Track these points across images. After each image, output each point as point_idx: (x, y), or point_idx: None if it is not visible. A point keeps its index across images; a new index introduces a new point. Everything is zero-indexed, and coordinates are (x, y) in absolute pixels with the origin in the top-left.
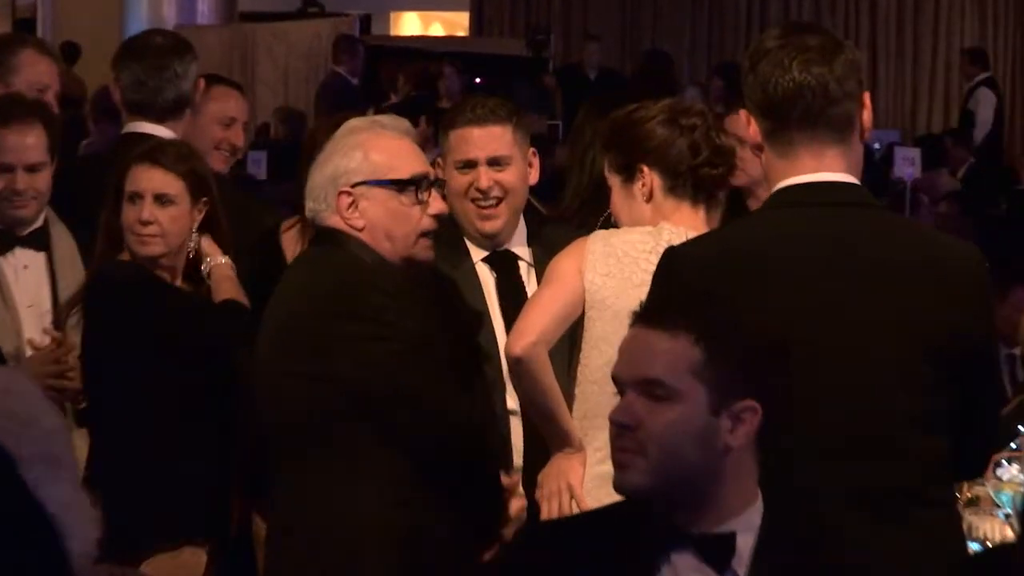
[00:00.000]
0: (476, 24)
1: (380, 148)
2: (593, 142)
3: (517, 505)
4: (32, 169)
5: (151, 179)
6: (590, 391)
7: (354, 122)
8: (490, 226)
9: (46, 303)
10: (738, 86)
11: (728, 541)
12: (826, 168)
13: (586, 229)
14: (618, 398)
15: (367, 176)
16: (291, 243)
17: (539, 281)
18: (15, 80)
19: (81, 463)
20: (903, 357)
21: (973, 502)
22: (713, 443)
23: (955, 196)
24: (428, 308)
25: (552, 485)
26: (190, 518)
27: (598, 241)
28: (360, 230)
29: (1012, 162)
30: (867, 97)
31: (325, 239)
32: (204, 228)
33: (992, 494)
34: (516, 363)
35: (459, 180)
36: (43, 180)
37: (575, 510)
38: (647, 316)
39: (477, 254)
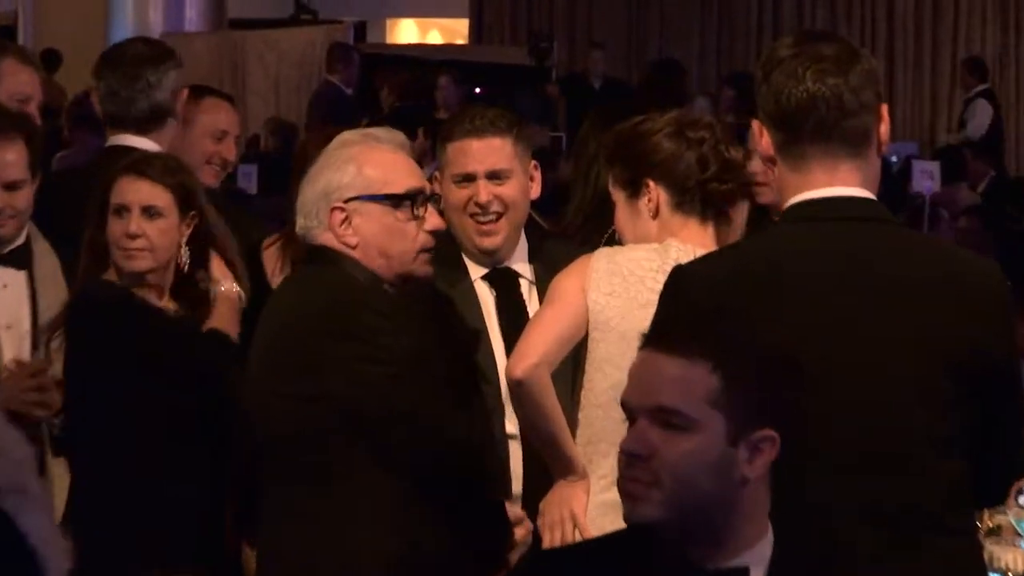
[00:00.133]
0: (476, 31)
1: (374, 162)
2: (598, 155)
3: (523, 531)
4: (11, 187)
5: (138, 191)
6: (594, 415)
7: (347, 135)
8: (489, 242)
9: (25, 323)
10: (750, 96)
11: None
12: (840, 183)
13: (590, 246)
14: (625, 424)
15: (361, 191)
16: (271, 260)
17: (541, 300)
18: None
19: (61, 494)
20: (921, 376)
21: (994, 531)
22: (730, 474)
23: (975, 211)
24: (424, 327)
25: (554, 514)
26: (180, 544)
27: (602, 259)
28: (353, 247)
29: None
30: (884, 109)
31: (317, 257)
32: (194, 243)
33: (1014, 523)
34: (517, 386)
35: (457, 194)
36: (23, 198)
37: (578, 540)
38: (661, 339)
39: (476, 271)
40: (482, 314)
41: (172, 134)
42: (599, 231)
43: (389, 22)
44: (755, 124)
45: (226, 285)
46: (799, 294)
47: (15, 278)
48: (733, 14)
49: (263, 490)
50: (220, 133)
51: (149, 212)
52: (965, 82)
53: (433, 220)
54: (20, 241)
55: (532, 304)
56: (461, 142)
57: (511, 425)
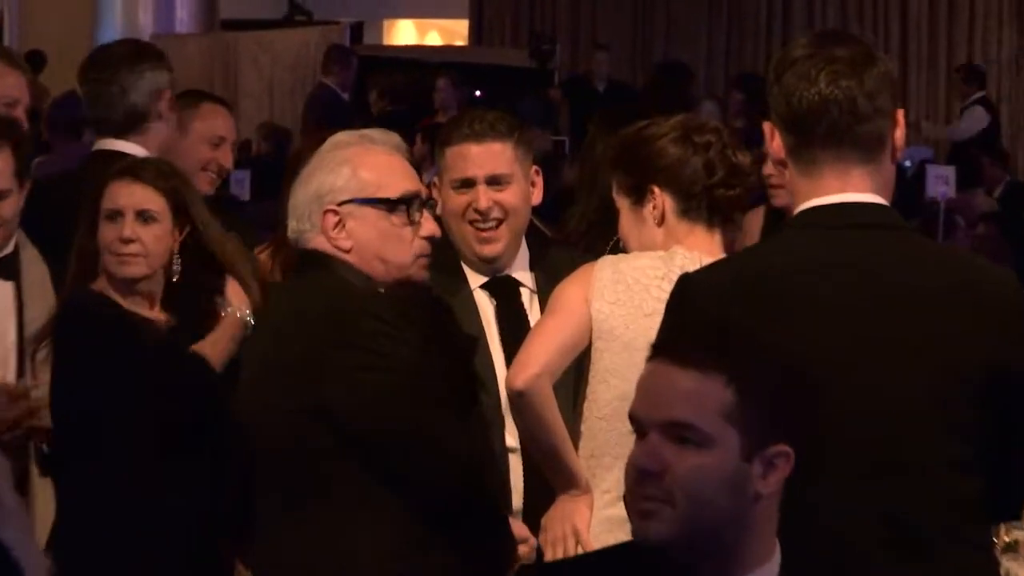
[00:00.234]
0: (476, 33)
1: (369, 164)
2: (603, 160)
3: (526, 549)
4: None
5: (132, 195)
6: (597, 428)
7: (341, 136)
8: (489, 250)
9: (11, 335)
10: (760, 99)
11: None
12: (852, 189)
13: (593, 254)
14: (630, 436)
15: (355, 194)
16: (262, 266)
17: (542, 309)
18: None
19: (48, 515)
20: (935, 389)
21: (1011, 547)
22: (744, 491)
23: (993, 217)
24: (423, 336)
25: (557, 530)
26: (171, 563)
27: (606, 267)
28: (347, 251)
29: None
30: (901, 115)
31: (310, 263)
32: (185, 253)
33: None
34: (518, 397)
35: (456, 200)
36: (9, 207)
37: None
38: (672, 351)
39: (475, 280)
40: (482, 323)
41: (161, 137)
42: (603, 239)
43: (386, 23)
44: (767, 126)
45: (238, 310)
46: (808, 304)
47: (2, 288)
48: (742, 15)
49: (258, 506)
50: (217, 139)
51: (143, 216)
52: (961, 90)
53: (429, 226)
54: (8, 250)
55: (533, 313)
56: (460, 147)
57: (511, 438)
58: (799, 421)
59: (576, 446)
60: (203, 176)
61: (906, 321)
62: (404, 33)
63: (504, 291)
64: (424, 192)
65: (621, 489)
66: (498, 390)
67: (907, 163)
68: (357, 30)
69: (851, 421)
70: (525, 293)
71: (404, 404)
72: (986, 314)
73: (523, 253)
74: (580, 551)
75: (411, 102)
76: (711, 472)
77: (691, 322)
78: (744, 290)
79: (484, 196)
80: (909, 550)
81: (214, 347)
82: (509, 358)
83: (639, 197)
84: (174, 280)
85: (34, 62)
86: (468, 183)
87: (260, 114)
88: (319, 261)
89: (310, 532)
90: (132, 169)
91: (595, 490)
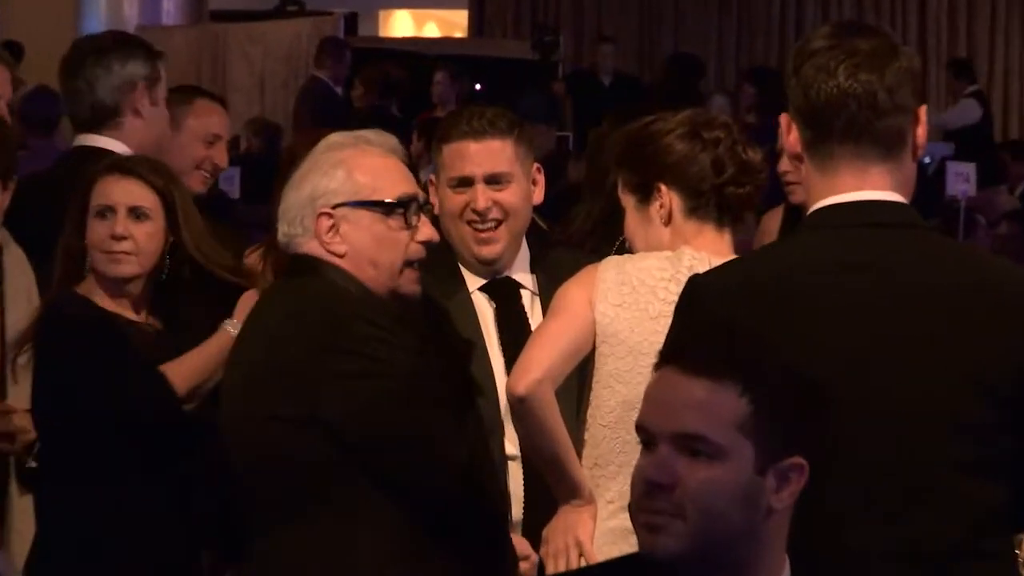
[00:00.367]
0: (476, 24)
1: (365, 166)
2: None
3: (527, 565)
4: None
5: (125, 191)
6: (601, 436)
7: (335, 137)
8: (488, 251)
9: None
10: (772, 93)
11: None
12: (869, 187)
13: (598, 255)
14: (634, 444)
15: (350, 197)
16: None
17: (544, 311)
18: None
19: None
20: (953, 395)
21: None
22: (758, 505)
23: (1015, 216)
24: (421, 341)
25: (559, 541)
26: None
27: (611, 268)
28: (341, 256)
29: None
30: (923, 111)
31: (302, 267)
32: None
33: None
34: (519, 403)
35: (454, 200)
36: None
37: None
38: (683, 358)
39: (474, 282)
40: (480, 327)
41: (142, 134)
42: (609, 239)
43: (382, 13)
44: (783, 118)
45: (234, 327)
46: (821, 307)
47: None
48: (753, 6)
49: (251, 516)
50: (212, 137)
51: (136, 213)
52: (952, 87)
53: (426, 231)
54: None
55: (535, 316)
56: (458, 144)
57: (511, 445)
58: (814, 432)
59: (579, 454)
60: (196, 175)
61: (924, 323)
62: (401, 24)
63: (504, 293)
64: (421, 195)
65: (626, 499)
66: (498, 396)
67: (927, 160)
68: (351, 21)
69: (864, 427)
70: (526, 295)
71: (401, 411)
72: (1008, 315)
73: (524, 254)
74: (583, 564)
75: (398, 95)
76: (724, 486)
77: (702, 328)
78: (755, 293)
79: (482, 196)
80: (924, 562)
81: (199, 355)
82: (509, 362)
83: (645, 195)
84: (163, 278)
85: (11, 54)
86: (466, 182)
87: (250, 109)
88: (311, 265)
89: (306, 542)
90: (124, 164)
91: (599, 500)
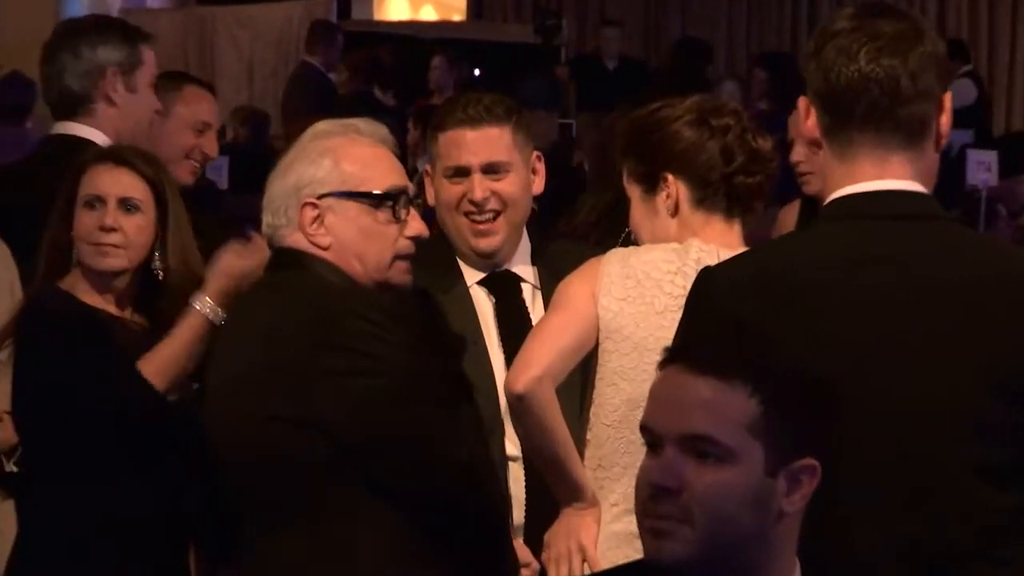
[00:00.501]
0: (474, 6)
1: (353, 156)
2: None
3: (528, 572)
4: None
5: (116, 181)
6: (605, 435)
7: (322, 125)
8: (486, 243)
9: None
10: (785, 79)
11: None
12: (889, 176)
13: (602, 247)
14: (640, 444)
15: (336, 187)
16: None
17: (546, 306)
18: None
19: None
20: (971, 395)
21: None
22: (768, 508)
23: None
24: (417, 338)
25: (561, 546)
26: None
27: (615, 261)
28: (325, 249)
29: None
30: (947, 99)
31: (286, 261)
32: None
33: None
34: (518, 401)
35: (450, 190)
36: None
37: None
38: (690, 356)
39: (472, 276)
40: (479, 323)
41: (117, 121)
42: (614, 231)
43: None
44: (802, 101)
45: (205, 303)
46: (835, 301)
47: None
48: None
49: (243, 520)
50: (202, 125)
51: (126, 205)
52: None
53: (416, 225)
54: None
55: (536, 311)
56: (454, 132)
57: (512, 446)
58: (825, 433)
59: (582, 455)
60: (185, 165)
61: (941, 319)
62: (396, 7)
63: (503, 288)
64: (412, 188)
65: (630, 502)
66: (497, 394)
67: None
68: (344, 4)
69: (877, 427)
70: (527, 289)
71: (398, 409)
72: None
73: (524, 246)
74: (586, 570)
75: (386, 81)
76: (733, 489)
77: (710, 324)
78: (767, 286)
79: (480, 186)
80: (935, 567)
81: (172, 344)
82: (510, 360)
83: (651, 185)
84: (160, 278)
85: None
86: (462, 172)
87: (239, 96)
88: (295, 259)
89: (304, 544)
90: (116, 153)
91: (602, 503)
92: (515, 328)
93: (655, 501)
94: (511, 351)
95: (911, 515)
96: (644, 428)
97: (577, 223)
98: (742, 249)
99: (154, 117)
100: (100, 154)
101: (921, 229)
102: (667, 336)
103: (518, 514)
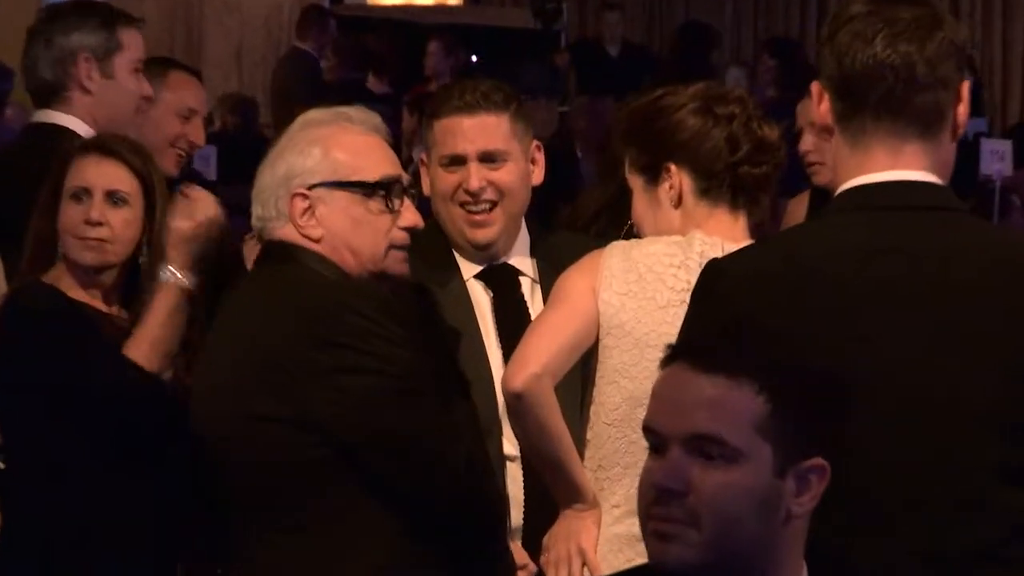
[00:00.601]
0: None
1: (344, 145)
2: None
3: (526, 574)
4: None
5: (103, 173)
6: (606, 435)
7: (313, 114)
8: (482, 235)
9: None
10: (793, 66)
11: None
12: (903, 166)
13: (604, 240)
14: (642, 444)
15: (327, 176)
16: (253, 254)
17: (545, 301)
18: None
19: None
20: (987, 389)
21: None
22: (777, 510)
23: None
24: (412, 334)
25: (560, 549)
26: None
27: (616, 254)
28: (316, 241)
29: None
30: (965, 88)
31: (276, 255)
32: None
33: None
34: (516, 400)
35: (445, 180)
36: None
37: None
38: (696, 353)
39: (468, 269)
40: (476, 318)
41: (94, 109)
42: (616, 223)
43: None
44: (815, 86)
45: (172, 274)
46: (844, 298)
47: None
48: None
49: (235, 523)
50: (188, 112)
51: (114, 198)
52: None
53: (410, 216)
54: None
55: (535, 306)
56: (449, 119)
57: (510, 446)
58: (835, 431)
59: (582, 455)
60: (170, 153)
61: (957, 313)
62: None
63: (501, 281)
64: (406, 178)
65: (631, 504)
66: (495, 392)
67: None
68: None
69: (891, 425)
70: (525, 283)
71: (399, 408)
72: None
73: (523, 238)
74: (586, 574)
75: (377, 67)
76: (741, 491)
77: (716, 320)
78: (775, 280)
79: (476, 175)
80: (949, 569)
81: (153, 324)
82: (507, 356)
83: (654, 176)
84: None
85: None
86: (458, 160)
87: (227, 84)
88: (286, 252)
89: (296, 550)
90: (103, 143)
91: (603, 504)
92: (513, 323)
93: (660, 504)
94: (509, 347)
95: (925, 515)
96: (647, 429)
97: (578, 215)
98: (748, 242)
99: (141, 104)
100: (86, 144)
101: (935, 221)
102: (670, 332)
103: (516, 516)
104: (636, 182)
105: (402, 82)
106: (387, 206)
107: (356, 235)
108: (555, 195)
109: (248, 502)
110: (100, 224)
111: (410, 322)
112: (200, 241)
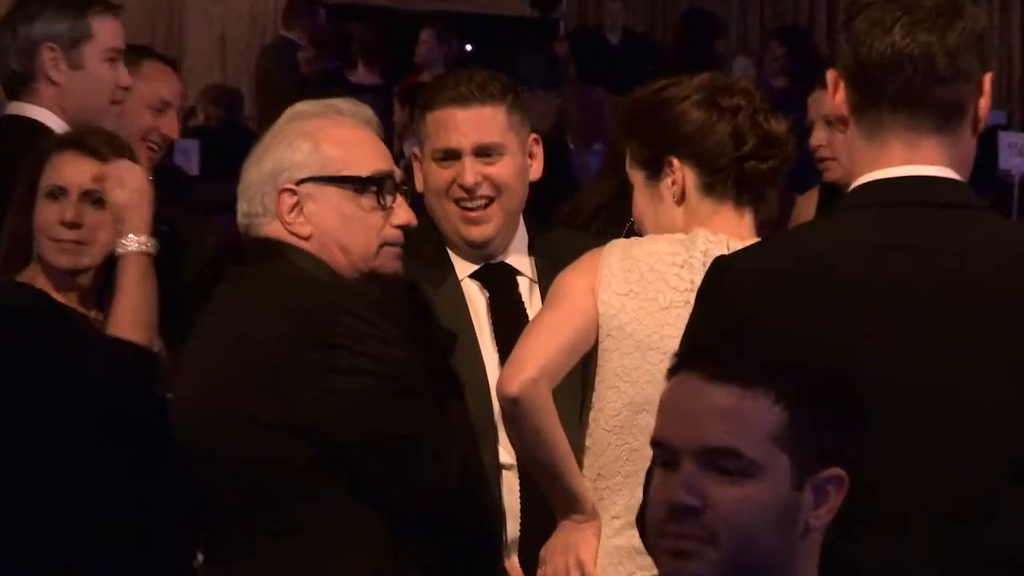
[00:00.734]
0: None
1: (335, 139)
2: None
3: None
4: None
5: (80, 171)
6: (606, 442)
7: (301, 106)
8: (478, 232)
9: None
10: (802, 55)
11: None
12: (921, 161)
13: (605, 238)
14: (643, 451)
15: (316, 171)
16: None
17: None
18: None
19: None
20: (1002, 391)
21: None
22: (794, 524)
23: None
24: (407, 335)
25: (558, 562)
26: None
27: (615, 252)
28: (306, 239)
29: None
30: (988, 80)
31: (264, 253)
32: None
33: None
34: (511, 405)
35: (439, 174)
36: None
37: None
38: (707, 360)
39: (464, 268)
40: (471, 319)
41: (63, 100)
42: (617, 221)
43: None
44: (830, 75)
45: (131, 243)
46: (857, 298)
47: None
48: None
49: (223, 531)
50: (160, 104)
51: (91, 198)
52: None
53: (403, 214)
54: None
55: (533, 306)
56: (443, 111)
57: (505, 453)
58: (852, 439)
59: (580, 463)
60: (141, 147)
61: (975, 313)
62: None
63: (498, 281)
64: (398, 174)
65: (632, 514)
66: (490, 398)
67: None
68: None
69: (899, 425)
70: (523, 283)
71: (392, 409)
72: None
73: (521, 236)
74: None
75: (362, 58)
76: (759, 505)
77: (721, 320)
78: (785, 278)
79: (471, 169)
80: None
81: (129, 296)
82: (504, 360)
83: (656, 170)
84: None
85: None
86: (452, 154)
87: (210, 75)
88: (274, 250)
89: (285, 559)
90: (79, 139)
91: (603, 515)
92: (510, 325)
93: (675, 521)
94: (505, 350)
95: (945, 522)
96: (657, 442)
97: (577, 211)
98: (753, 240)
99: (118, 94)
100: (63, 141)
101: (950, 218)
102: (672, 334)
103: (512, 527)
104: (637, 177)
105: (392, 72)
106: (379, 203)
107: (347, 233)
108: (550, 190)
109: (238, 506)
110: (76, 226)
111: (403, 323)
112: (144, 205)
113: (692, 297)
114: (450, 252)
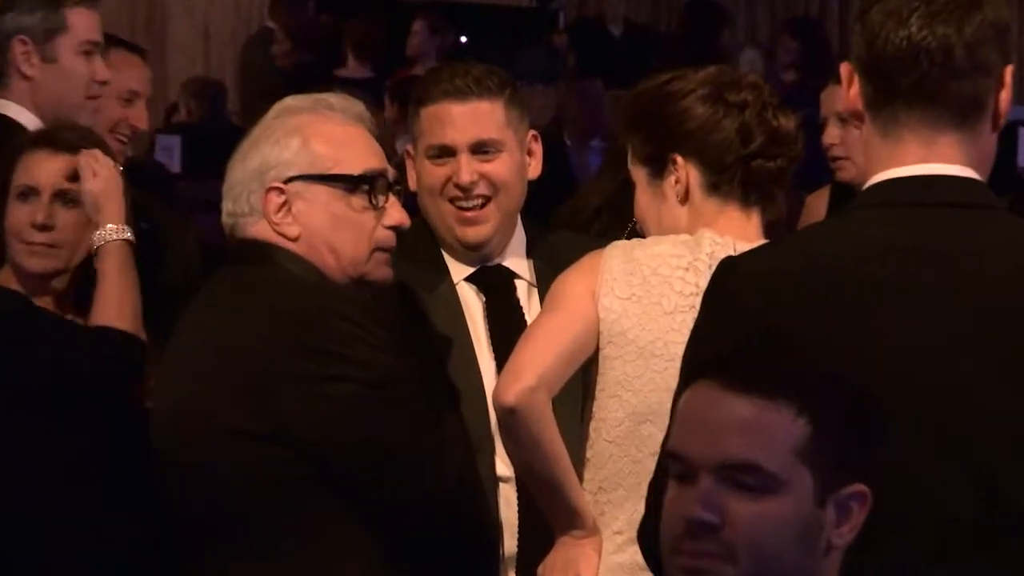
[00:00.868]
0: None
1: (324, 135)
2: None
3: None
4: None
5: (53, 170)
6: (607, 454)
7: (290, 101)
8: (473, 233)
9: None
10: (814, 48)
11: None
12: (938, 158)
13: (607, 240)
14: (646, 463)
15: (305, 169)
16: None
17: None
18: None
19: None
20: (1019, 398)
21: None
22: (816, 542)
23: None
24: (399, 341)
25: None
26: None
27: (617, 255)
28: (293, 240)
29: None
30: (1008, 73)
31: (250, 254)
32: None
33: None
34: (508, 414)
35: (433, 172)
36: None
37: None
38: (727, 371)
39: (459, 271)
40: (467, 325)
41: (36, 95)
42: (620, 223)
43: None
44: (844, 68)
45: (107, 233)
46: (873, 301)
47: None
48: None
49: (208, 547)
50: (128, 94)
51: (64, 198)
52: None
53: (396, 214)
54: None
55: (531, 311)
56: (437, 106)
57: (503, 465)
58: (875, 454)
59: (581, 476)
60: (111, 139)
61: (988, 315)
62: None
63: (495, 284)
64: (391, 173)
65: (634, 530)
66: (487, 407)
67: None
68: None
69: (908, 427)
70: (521, 286)
71: (383, 418)
72: None
73: (519, 237)
74: None
75: (358, 48)
76: (781, 522)
77: (728, 323)
78: (796, 281)
79: (467, 168)
80: None
81: (112, 285)
82: (501, 367)
83: (659, 168)
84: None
85: None
86: (447, 151)
87: (193, 68)
88: (260, 252)
89: (274, 572)
90: (52, 137)
91: (604, 531)
92: (508, 331)
93: (692, 537)
94: (502, 357)
95: (957, 527)
96: (673, 455)
97: (578, 211)
98: (761, 242)
99: (94, 88)
100: (35, 138)
101: (965, 219)
102: (677, 340)
103: (510, 542)
104: (639, 175)
105: (383, 66)
106: (371, 202)
107: (336, 234)
108: (547, 189)
109: (215, 529)
110: (47, 228)
111: (395, 329)
112: (119, 194)
113: (697, 301)
114: (445, 254)
